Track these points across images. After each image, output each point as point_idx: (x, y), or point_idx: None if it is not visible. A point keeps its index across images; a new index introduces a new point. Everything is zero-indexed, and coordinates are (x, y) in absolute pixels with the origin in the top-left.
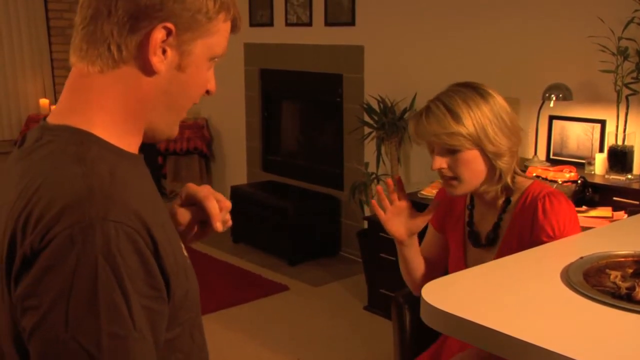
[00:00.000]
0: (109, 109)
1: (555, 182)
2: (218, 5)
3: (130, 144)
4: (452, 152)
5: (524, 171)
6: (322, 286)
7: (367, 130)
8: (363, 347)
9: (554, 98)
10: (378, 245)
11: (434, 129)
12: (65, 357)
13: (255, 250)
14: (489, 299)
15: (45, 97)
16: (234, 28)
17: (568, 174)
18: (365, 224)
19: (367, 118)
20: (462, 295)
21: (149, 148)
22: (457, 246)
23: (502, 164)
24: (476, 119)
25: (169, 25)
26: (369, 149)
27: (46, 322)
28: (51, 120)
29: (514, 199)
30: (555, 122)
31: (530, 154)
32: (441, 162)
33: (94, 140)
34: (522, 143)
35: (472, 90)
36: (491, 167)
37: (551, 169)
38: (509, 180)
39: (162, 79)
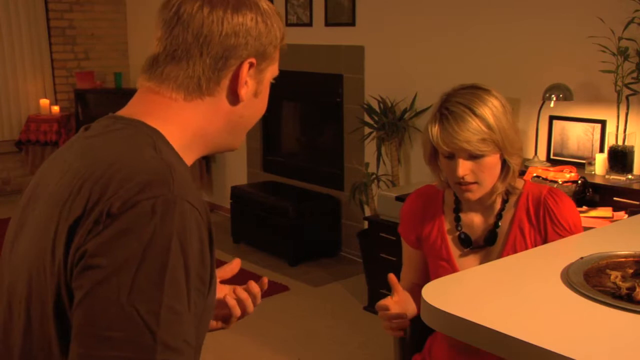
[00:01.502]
0: (182, 126)
1: (556, 182)
2: (282, 35)
3: (187, 157)
4: (475, 157)
5: (524, 171)
6: (323, 286)
7: (367, 130)
8: (363, 348)
9: (554, 98)
10: (378, 245)
11: (467, 136)
12: (119, 321)
13: (255, 251)
14: (489, 299)
15: (45, 97)
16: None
17: (568, 174)
18: (366, 225)
19: (367, 118)
20: (462, 295)
21: None
22: (443, 254)
23: (515, 166)
24: (499, 122)
25: (253, 60)
26: (370, 149)
27: (109, 283)
28: (123, 114)
29: (512, 199)
30: (555, 122)
31: (530, 154)
32: (466, 169)
33: (163, 138)
34: (523, 143)
35: (487, 93)
36: (503, 170)
37: (551, 169)
38: (513, 181)
39: (242, 106)
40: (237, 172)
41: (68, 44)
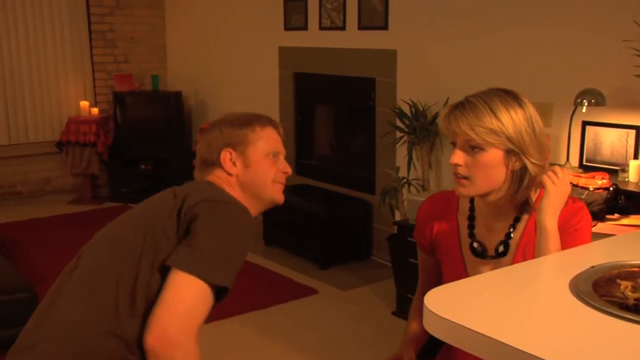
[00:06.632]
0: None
1: (587, 188)
2: (253, 124)
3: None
4: (474, 152)
5: None
6: (352, 290)
7: (398, 134)
8: (389, 353)
9: (585, 103)
10: (406, 250)
11: (470, 121)
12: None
13: (286, 254)
14: (494, 308)
15: (85, 99)
16: (276, 128)
17: (600, 180)
18: (396, 229)
19: (398, 122)
20: (467, 303)
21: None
22: (454, 261)
23: (535, 175)
24: (514, 122)
25: (230, 149)
26: (401, 153)
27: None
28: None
29: (527, 209)
30: (588, 128)
31: (562, 160)
32: (460, 158)
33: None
34: (554, 148)
35: (515, 99)
36: (511, 177)
37: (583, 175)
38: (531, 194)
39: (239, 176)
40: None
41: (108, 47)
